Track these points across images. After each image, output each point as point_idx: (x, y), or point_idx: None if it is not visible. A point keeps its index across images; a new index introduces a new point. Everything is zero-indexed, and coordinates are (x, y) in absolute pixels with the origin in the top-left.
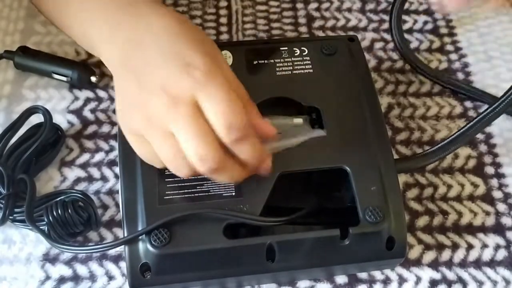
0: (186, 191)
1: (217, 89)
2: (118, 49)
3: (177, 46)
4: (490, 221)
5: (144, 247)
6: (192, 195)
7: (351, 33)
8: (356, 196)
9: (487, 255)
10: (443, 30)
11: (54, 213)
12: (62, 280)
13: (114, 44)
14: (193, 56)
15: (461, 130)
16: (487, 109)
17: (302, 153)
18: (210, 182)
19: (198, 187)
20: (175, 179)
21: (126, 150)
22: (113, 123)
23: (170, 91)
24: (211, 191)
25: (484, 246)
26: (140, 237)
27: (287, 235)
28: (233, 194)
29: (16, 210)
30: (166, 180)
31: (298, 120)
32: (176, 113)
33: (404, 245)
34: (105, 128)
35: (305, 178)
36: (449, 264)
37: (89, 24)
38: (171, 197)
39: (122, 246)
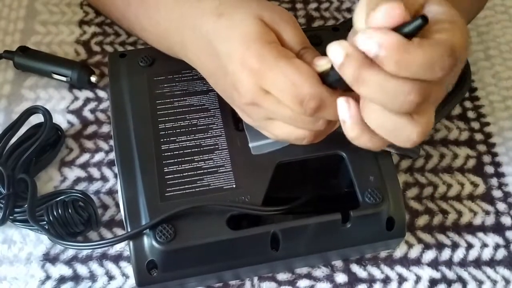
0: (187, 186)
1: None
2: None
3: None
4: (490, 220)
5: (149, 244)
6: (193, 190)
7: None
8: (354, 180)
9: (486, 254)
10: None
11: (55, 213)
12: (62, 280)
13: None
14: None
15: None
16: None
17: None
18: (210, 176)
19: (198, 182)
20: (174, 175)
21: (123, 149)
22: None
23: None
24: (211, 185)
25: (484, 245)
26: (145, 235)
27: (289, 222)
28: (234, 186)
29: (16, 210)
30: (166, 177)
31: None
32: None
33: (403, 224)
34: (105, 128)
35: (303, 167)
36: (449, 263)
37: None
38: (173, 193)
39: (126, 247)
